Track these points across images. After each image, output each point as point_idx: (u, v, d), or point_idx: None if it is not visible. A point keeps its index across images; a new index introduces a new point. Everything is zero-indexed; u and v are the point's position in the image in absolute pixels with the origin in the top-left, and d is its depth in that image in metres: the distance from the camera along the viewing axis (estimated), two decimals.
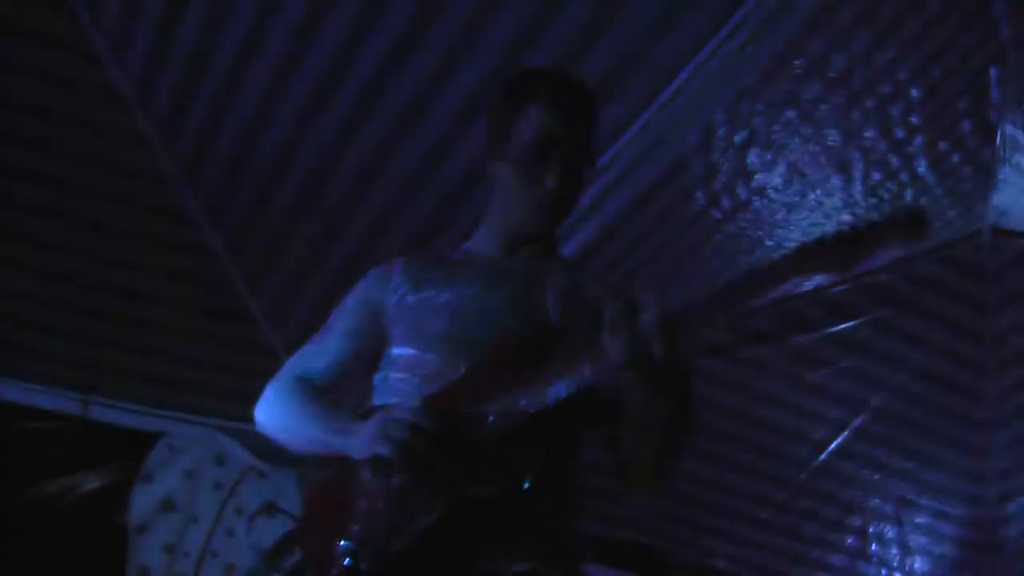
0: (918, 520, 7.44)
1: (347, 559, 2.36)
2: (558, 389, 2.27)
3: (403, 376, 2.58)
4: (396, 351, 2.64)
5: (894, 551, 7.51)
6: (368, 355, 2.72)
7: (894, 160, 5.30)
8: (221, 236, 5.63)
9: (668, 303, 2.16)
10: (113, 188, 5.37)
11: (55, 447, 5.91)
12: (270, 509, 6.72)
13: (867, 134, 5.10)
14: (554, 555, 2.40)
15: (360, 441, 2.41)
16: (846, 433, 6.95)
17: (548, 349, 2.37)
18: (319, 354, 2.80)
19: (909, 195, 5.55)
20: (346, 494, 2.43)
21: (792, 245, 5.57)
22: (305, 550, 2.54)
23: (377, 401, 2.64)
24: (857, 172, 5.31)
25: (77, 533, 5.92)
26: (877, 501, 7.34)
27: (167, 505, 6.21)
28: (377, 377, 2.70)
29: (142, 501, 6.11)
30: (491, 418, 2.33)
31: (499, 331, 2.49)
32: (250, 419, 6.09)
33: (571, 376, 2.25)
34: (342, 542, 2.37)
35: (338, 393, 2.76)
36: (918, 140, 5.20)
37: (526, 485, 2.30)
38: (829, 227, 5.60)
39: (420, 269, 2.72)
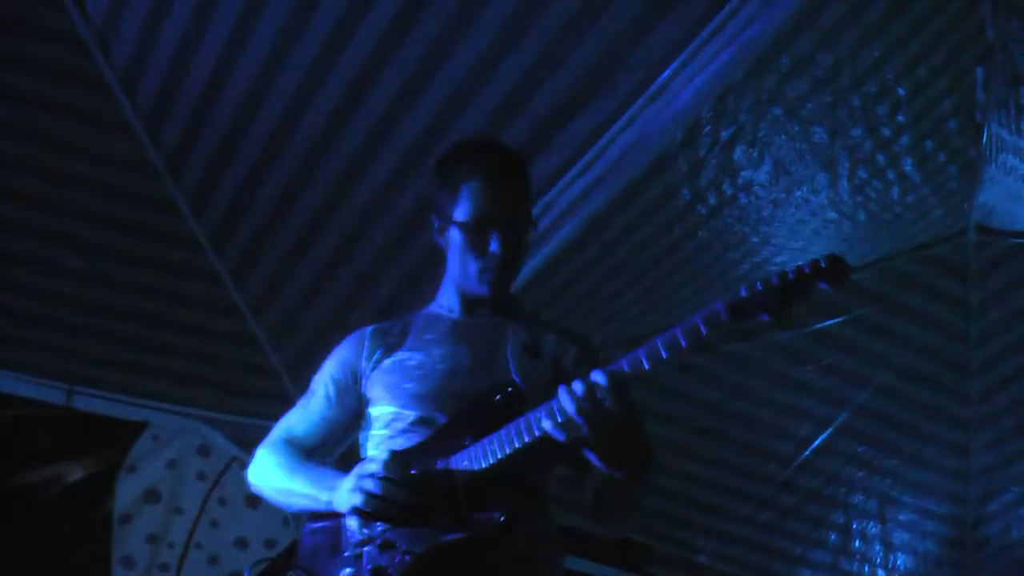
0: (901, 517, 7.48)
1: None
2: (522, 437, 2.48)
3: (385, 432, 2.80)
4: (376, 410, 2.86)
5: (877, 548, 7.55)
6: (348, 416, 2.97)
7: (880, 158, 5.32)
8: (206, 228, 5.64)
9: (618, 365, 2.36)
10: (99, 178, 5.38)
11: (39, 436, 5.92)
12: (253, 501, 6.78)
13: (853, 132, 5.12)
14: None
15: (340, 496, 2.65)
16: (829, 430, 6.98)
17: (512, 402, 2.57)
18: (304, 418, 3.03)
19: (895, 193, 5.57)
20: (335, 543, 2.67)
21: (777, 242, 5.63)
22: None
23: (364, 456, 2.87)
24: (843, 170, 5.33)
25: (61, 523, 5.92)
26: (860, 498, 7.38)
27: (151, 496, 6.22)
28: (362, 436, 2.93)
29: (126, 491, 6.12)
30: (461, 464, 2.56)
31: (466, 388, 2.71)
32: (234, 410, 6.19)
33: (533, 427, 2.47)
34: None
35: (323, 451, 3.02)
36: (904, 139, 5.22)
37: (501, 519, 2.50)
38: (814, 224, 5.66)
39: (389, 335, 2.97)
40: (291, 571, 2.77)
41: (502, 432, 2.50)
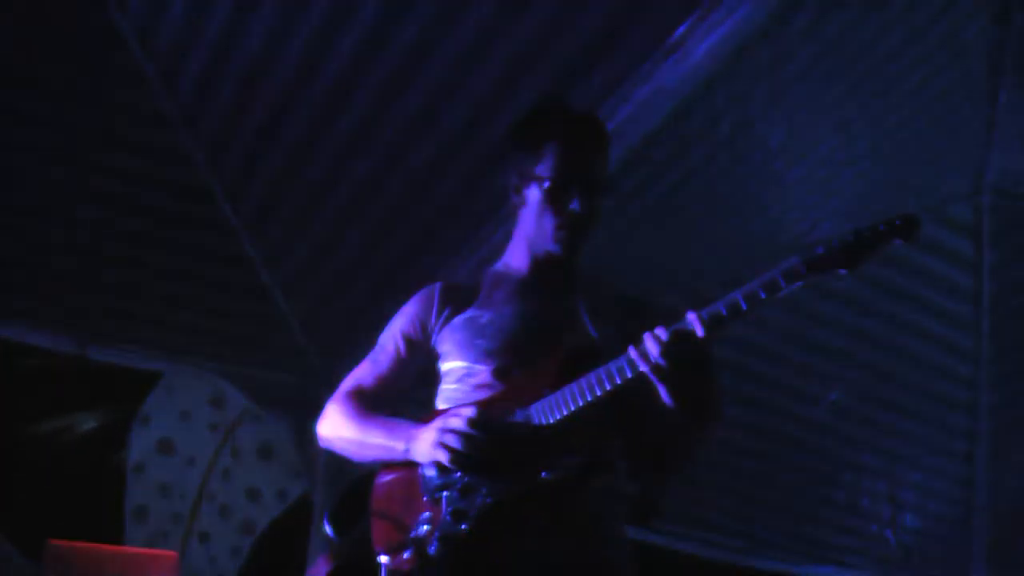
0: (909, 477, 7.50)
1: (418, 544, 2.61)
2: (603, 384, 2.54)
3: (457, 387, 2.81)
4: (447, 365, 2.88)
5: (885, 507, 7.57)
6: (417, 370, 2.98)
7: (892, 117, 5.30)
8: (221, 180, 5.65)
9: (696, 315, 2.44)
10: (115, 131, 5.40)
11: (54, 386, 5.96)
12: (265, 452, 6.84)
13: (867, 90, 5.10)
14: (598, 541, 2.67)
15: (421, 447, 2.67)
16: (841, 389, 7.00)
17: (587, 355, 2.63)
18: (373, 372, 3.00)
19: (910, 151, 5.57)
20: (410, 492, 2.71)
21: (791, 201, 5.62)
22: (373, 537, 2.74)
23: (438, 408, 2.88)
24: (857, 128, 5.32)
25: (75, 472, 5.98)
26: (869, 457, 7.40)
27: (164, 447, 6.28)
28: (435, 391, 2.94)
29: (140, 442, 6.18)
30: (539, 414, 2.60)
31: (538, 343, 2.75)
32: (248, 363, 6.21)
33: (614, 376, 2.52)
34: (413, 531, 2.63)
35: (392, 407, 2.97)
36: (923, 96, 5.19)
37: (580, 464, 2.59)
38: (825, 175, 5.65)
39: (459, 292, 2.96)
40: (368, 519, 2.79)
41: (582, 381, 2.54)
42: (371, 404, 2.92)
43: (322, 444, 3.00)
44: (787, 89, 5.00)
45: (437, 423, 2.65)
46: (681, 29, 4.43)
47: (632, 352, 2.47)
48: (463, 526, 2.56)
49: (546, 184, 2.81)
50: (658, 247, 5.84)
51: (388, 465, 2.79)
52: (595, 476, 2.64)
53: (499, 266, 3.00)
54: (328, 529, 3.02)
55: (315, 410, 6.15)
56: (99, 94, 5.26)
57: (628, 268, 5.78)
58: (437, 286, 2.98)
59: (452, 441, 2.57)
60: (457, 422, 2.60)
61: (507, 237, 3.00)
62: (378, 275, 5.89)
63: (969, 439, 7.30)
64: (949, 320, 6.88)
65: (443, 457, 2.58)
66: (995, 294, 6.73)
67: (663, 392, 2.48)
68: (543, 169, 2.82)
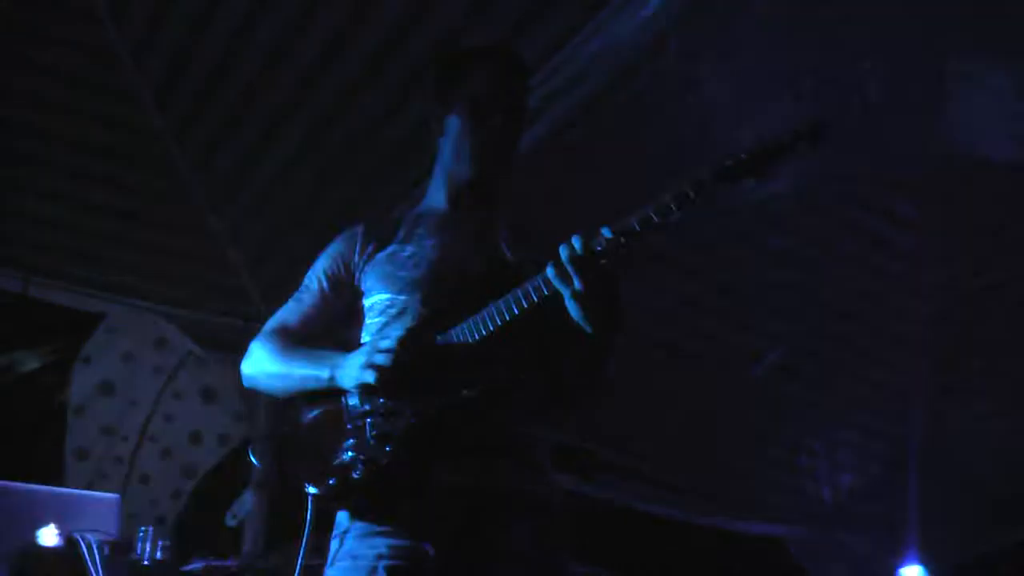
0: (847, 437, 7.60)
1: (342, 470, 2.64)
2: (520, 304, 2.59)
3: (380, 319, 2.84)
4: (371, 299, 2.90)
5: (823, 464, 7.68)
6: (341, 307, 2.98)
7: (845, 77, 5.33)
8: (169, 120, 5.62)
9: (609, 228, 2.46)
10: (62, 65, 5.34)
11: None
12: (208, 395, 6.84)
13: (818, 51, 5.12)
14: (519, 463, 2.74)
15: (348, 371, 2.70)
16: (782, 347, 7.06)
17: (505, 280, 2.66)
18: (296, 310, 3.02)
19: (856, 108, 5.59)
20: (335, 423, 2.72)
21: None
22: (297, 466, 2.78)
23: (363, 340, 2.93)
24: (807, 88, 5.34)
25: (15, 411, 5.95)
26: (808, 415, 7.48)
27: (106, 388, 6.26)
28: (356, 331, 2.96)
29: (81, 383, 6.16)
30: (460, 336, 2.66)
31: (459, 271, 2.82)
32: (192, 305, 6.19)
33: (531, 294, 2.58)
34: (337, 459, 2.66)
35: (316, 343, 2.97)
36: (870, 62, 5.22)
37: (502, 379, 2.66)
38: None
39: (380, 229, 2.99)
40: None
41: (500, 302, 2.60)
42: (295, 341, 2.93)
43: (246, 383, 3.01)
44: (738, 45, 5.01)
45: (364, 347, 2.70)
46: None
47: (549, 270, 2.50)
48: (387, 447, 2.60)
49: (466, 106, 2.88)
50: (600, 198, 5.86)
51: (311, 400, 2.80)
52: (514, 393, 2.70)
53: (420, 207, 3.05)
54: (254, 459, 3.04)
55: None
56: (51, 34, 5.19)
57: (570, 217, 5.85)
58: (360, 227, 3.02)
59: (381, 360, 2.62)
60: (386, 343, 2.65)
61: None
62: (323, 221, 5.87)
63: (908, 401, 7.39)
64: (891, 280, 6.94)
65: (371, 376, 2.61)
66: (936, 256, 6.79)
67: (572, 306, 2.52)
68: (465, 93, 2.90)
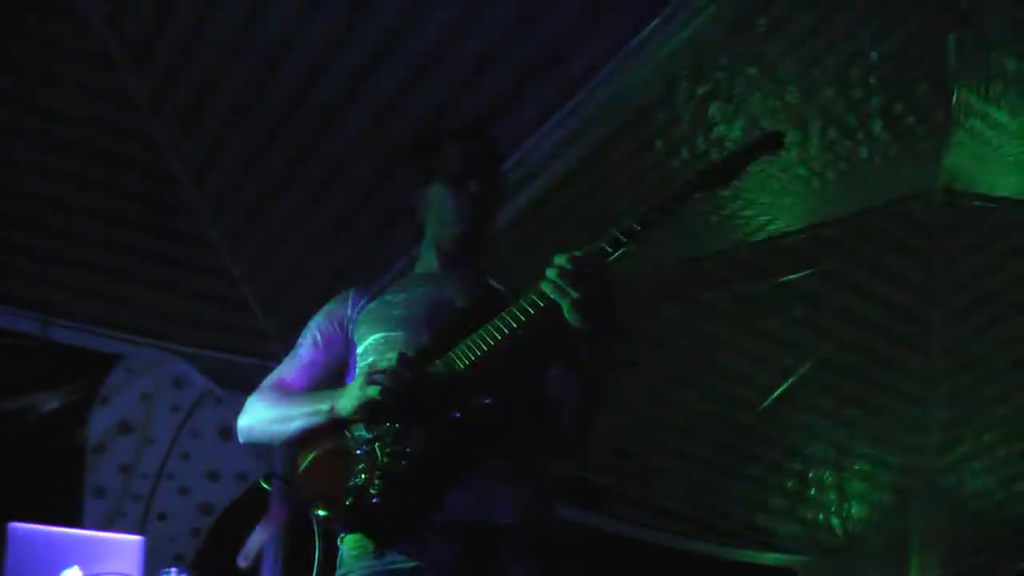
0: (857, 467, 7.65)
1: (358, 490, 2.68)
2: (510, 325, 2.71)
3: (375, 358, 2.91)
4: (364, 343, 2.98)
5: (832, 496, 7.73)
6: (335, 361, 3.08)
7: (850, 119, 5.41)
8: (185, 163, 5.68)
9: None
10: (80, 110, 5.41)
11: (15, 366, 5.97)
12: (226, 434, 6.88)
13: (826, 92, 5.20)
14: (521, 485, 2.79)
15: (349, 394, 2.79)
16: (792, 379, 7.13)
17: (496, 308, 2.78)
18: (292, 365, 3.12)
19: (864, 152, 5.67)
20: (342, 455, 2.78)
21: (747, 196, 5.73)
22: (312, 490, 2.83)
23: None
24: (814, 129, 5.43)
25: (35, 452, 6.00)
26: (819, 446, 7.54)
27: (124, 427, 6.32)
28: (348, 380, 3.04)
29: (100, 422, 6.21)
30: (458, 360, 2.75)
31: (450, 309, 2.95)
32: (209, 345, 6.26)
33: (522, 312, 2.70)
34: (351, 481, 2.70)
35: None
36: (875, 100, 5.30)
37: (489, 402, 2.72)
38: (784, 180, 5.76)
39: (372, 288, 3.15)
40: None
41: (495, 321, 2.71)
42: (292, 392, 3.03)
43: (241, 436, 3.11)
44: (747, 89, 5.09)
45: (363, 374, 2.78)
46: (646, 30, 4.53)
47: (545, 282, 2.63)
48: (403, 462, 2.66)
49: (446, 178, 3.06)
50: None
51: (313, 438, 2.84)
52: (512, 413, 2.77)
53: (412, 271, 3.21)
54: (267, 486, 3.13)
55: None
56: (67, 79, 5.26)
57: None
58: (352, 289, 3.16)
59: (381, 377, 2.69)
60: (385, 364, 2.76)
61: None
62: (338, 262, 5.97)
63: (918, 431, 7.45)
64: (901, 312, 7.01)
65: (373, 391, 2.68)
66: (947, 289, 6.86)
67: (573, 315, 2.63)
68: (441, 168, 3.09)
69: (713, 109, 5.13)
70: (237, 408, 6.26)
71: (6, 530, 4.74)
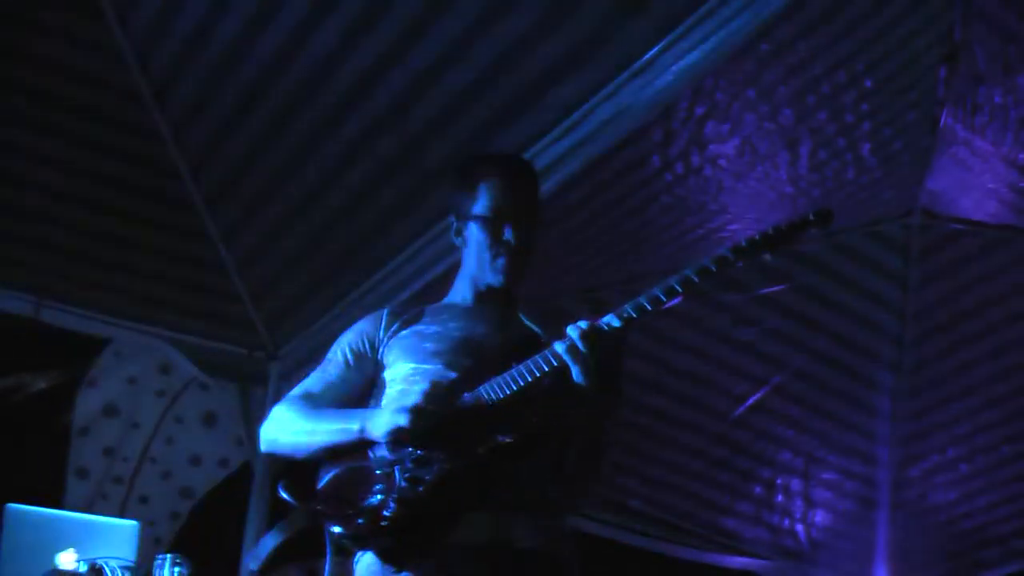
0: (823, 476, 7.82)
1: (372, 510, 2.72)
2: (540, 366, 2.75)
3: (404, 387, 2.94)
4: (394, 370, 3.03)
5: (798, 503, 7.89)
6: (363, 380, 3.11)
7: (840, 141, 5.55)
8: (185, 155, 5.75)
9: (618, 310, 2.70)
10: (83, 100, 5.47)
11: (6, 346, 6.00)
12: (209, 420, 6.97)
13: (819, 116, 5.34)
14: (537, 520, 2.85)
15: (379, 419, 2.81)
16: (765, 389, 7.27)
17: (527, 349, 2.83)
18: (320, 379, 3.14)
19: (850, 174, 5.82)
20: (360, 475, 2.82)
21: (734, 211, 5.84)
22: (327, 506, 2.87)
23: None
24: (804, 150, 5.56)
25: (21, 431, 6.04)
26: (787, 455, 7.70)
27: (110, 410, 6.37)
28: (381, 396, 3.08)
29: (86, 405, 6.26)
30: (485, 396, 2.80)
31: (482, 345, 2.98)
32: (197, 332, 6.32)
33: (547, 359, 2.74)
34: (366, 501, 2.75)
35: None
36: (866, 125, 5.44)
37: (507, 440, 2.75)
38: (771, 197, 5.89)
39: (405, 314, 3.17)
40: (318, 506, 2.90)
41: (520, 367, 2.74)
42: (320, 406, 3.05)
43: (264, 446, 3.12)
44: (744, 109, 5.22)
45: (393, 400, 2.84)
46: (651, 52, 4.64)
47: (558, 345, 2.70)
48: (419, 488, 2.70)
49: (481, 220, 3.06)
50: (599, 249, 6.09)
51: (334, 456, 2.89)
52: (530, 451, 2.81)
53: (446, 300, 3.22)
54: (286, 496, 3.05)
55: (260, 381, 6.29)
56: (72, 68, 5.32)
57: (567, 265, 6.04)
58: (385, 310, 3.20)
59: (413, 405, 2.72)
60: (419, 388, 2.77)
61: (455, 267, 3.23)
62: (328, 260, 6.06)
63: (884, 444, 7.63)
64: (873, 329, 7.18)
65: (404, 419, 2.72)
66: (918, 308, 7.03)
67: (579, 376, 2.69)
68: (479, 208, 3.07)
69: (709, 128, 5.26)
70: (222, 395, 6.40)
71: (2, 511, 4.78)
